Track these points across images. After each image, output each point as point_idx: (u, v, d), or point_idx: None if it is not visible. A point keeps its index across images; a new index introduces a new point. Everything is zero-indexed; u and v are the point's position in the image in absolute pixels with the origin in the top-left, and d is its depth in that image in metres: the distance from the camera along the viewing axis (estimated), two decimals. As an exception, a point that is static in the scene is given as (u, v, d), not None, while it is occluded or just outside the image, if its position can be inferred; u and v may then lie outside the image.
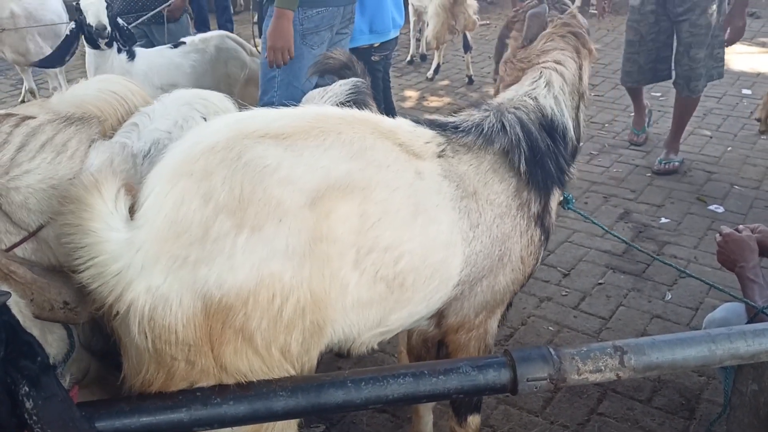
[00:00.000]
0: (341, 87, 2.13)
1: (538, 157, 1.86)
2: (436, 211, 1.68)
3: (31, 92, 5.74)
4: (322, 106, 1.71)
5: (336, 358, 2.84)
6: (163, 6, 4.72)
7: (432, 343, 2.11)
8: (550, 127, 1.92)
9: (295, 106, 1.88)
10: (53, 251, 1.52)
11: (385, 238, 1.59)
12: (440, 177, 1.72)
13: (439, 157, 1.75)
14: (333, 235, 1.51)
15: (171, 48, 4.27)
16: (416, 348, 2.16)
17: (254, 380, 1.45)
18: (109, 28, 3.86)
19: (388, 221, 1.59)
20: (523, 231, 1.86)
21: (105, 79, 2.39)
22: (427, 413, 2.34)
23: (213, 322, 1.41)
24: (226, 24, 7.69)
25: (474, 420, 2.04)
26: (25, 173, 1.49)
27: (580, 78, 2.07)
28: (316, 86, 3.67)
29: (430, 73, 6.93)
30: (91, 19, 3.84)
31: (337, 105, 2.03)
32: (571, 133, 2.00)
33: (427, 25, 6.55)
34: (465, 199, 1.75)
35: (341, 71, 2.36)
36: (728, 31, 4.54)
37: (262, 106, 3.26)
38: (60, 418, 1.24)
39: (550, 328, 3.19)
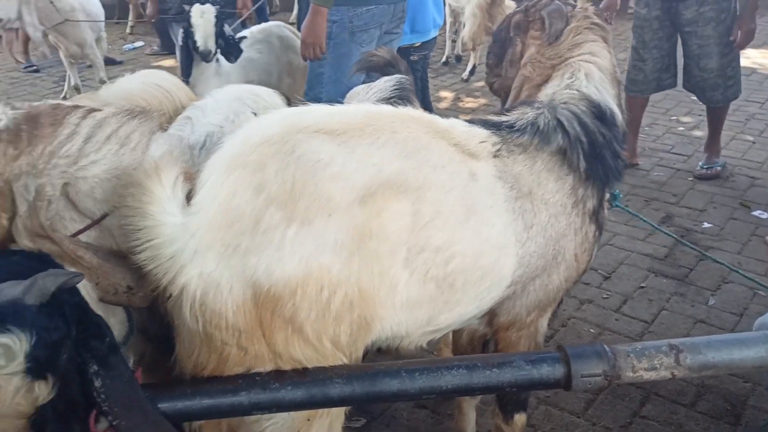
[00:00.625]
0: (385, 83, 2.14)
1: (598, 151, 1.83)
2: (489, 213, 1.67)
3: (76, 88, 5.89)
4: (377, 104, 1.72)
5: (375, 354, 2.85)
6: (254, 7, 4.83)
7: (479, 341, 2.11)
8: (601, 114, 1.89)
9: (341, 102, 1.92)
10: (115, 239, 1.56)
11: (436, 238, 1.58)
12: (494, 178, 1.70)
13: (494, 157, 1.74)
14: (383, 233, 1.51)
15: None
16: (463, 345, 2.15)
17: (309, 367, 1.48)
18: (213, 52, 4.00)
19: (441, 222, 1.59)
20: (577, 228, 1.83)
21: (149, 73, 2.44)
22: (470, 410, 2.33)
23: (262, 310, 1.44)
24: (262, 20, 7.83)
25: (520, 418, 2.02)
26: (92, 164, 1.54)
27: (615, 66, 2.05)
28: (364, 83, 3.70)
29: (465, 74, 6.90)
30: (199, 41, 3.96)
31: (381, 101, 2.04)
32: (620, 117, 1.97)
33: (464, 25, 6.54)
34: (519, 200, 1.73)
35: (385, 69, 2.37)
36: (739, 34, 4.38)
37: (309, 101, 3.30)
38: (126, 397, 1.29)
39: (591, 330, 3.15)
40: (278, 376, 1.45)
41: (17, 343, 1.14)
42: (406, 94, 2.09)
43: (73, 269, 1.44)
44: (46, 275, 1.23)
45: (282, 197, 1.44)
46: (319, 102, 1.79)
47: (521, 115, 1.87)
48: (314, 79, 3.43)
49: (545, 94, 1.97)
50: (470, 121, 1.83)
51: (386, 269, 1.53)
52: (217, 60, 4.08)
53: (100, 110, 1.62)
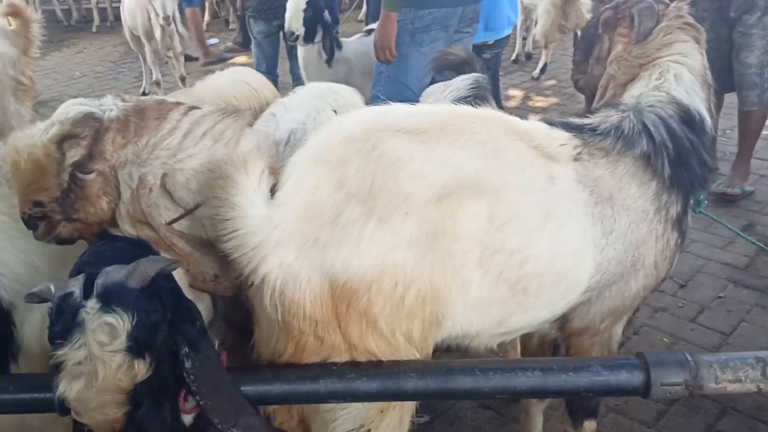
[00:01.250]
0: (462, 82, 2.14)
1: (684, 158, 1.77)
2: (567, 217, 1.65)
3: (157, 83, 6.15)
4: (456, 104, 1.73)
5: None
6: None
7: (549, 345, 2.09)
8: (689, 120, 1.83)
9: (399, 101, 1.95)
10: (205, 229, 1.65)
11: (512, 241, 1.58)
12: (574, 182, 1.68)
13: (575, 160, 1.71)
14: (458, 232, 1.52)
15: (365, 36, 4.63)
16: (532, 349, 2.14)
17: (384, 360, 1.51)
18: (298, 34, 4.36)
19: (517, 224, 1.58)
20: (659, 235, 1.78)
21: (237, 71, 2.54)
22: (537, 414, 2.31)
23: (338, 303, 1.48)
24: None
25: (590, 425, 1.99)
26: (189, 157, 1.64)
27: (706, 68, 1.97)
28: (432, 82, 3.72)
29: (536, 73, 6.78)
30: (285, 21, 4.33)
31: (457, 100, 2.05)
32: (710, 123, 1.90)
33: (536, 23, 6.43)
34: (599, 205, 1.70)
35: (460, 67, 2.38)
36: None
37: (370, 98, 3.38)
38: (213, 379, 1.36)
39: (665, 339, 3.05)
40: (354, 366, 1.49)
41: (120, 323, 1.22)
42: (482, 93, 2.09)
43: (168, 256, 1.53)
44: (146, 261, 1.32)
45: (362, 194, 1.47)
46: (378, 100, 1.82)
47: (605, 118, 1.82)
48: (376, 77, 3.54)
49: (631, 95, 1.92)
50: (551, 123, 1.80)
51: (459, 268, 1.54)
52: (339, 48, 4.40)
53: (199, 108, 1.72)
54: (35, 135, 1.55)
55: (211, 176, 1.59)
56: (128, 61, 7.69)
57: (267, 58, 5.31)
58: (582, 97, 6.27)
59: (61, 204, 1.57)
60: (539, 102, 6.28)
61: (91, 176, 1.58)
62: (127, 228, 1.60)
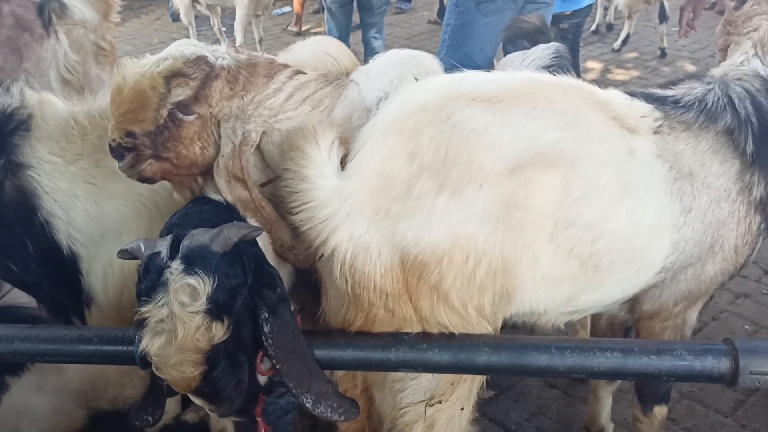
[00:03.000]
0: (543, 51, 2.07)
1: None
2: (645, 193, 1.58)
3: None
4: (534, 71, 1.67)
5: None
6: None
7: (619, 327, 2.02)
8: None
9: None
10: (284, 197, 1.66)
11: (586, 215, 1.53)
12: (653, 156, 1.61)
13: (655, 133, 1.63)
14: (529, 204, 1.48)
15: None
16: (601, 330, 2.08)
17: (456, 333, 1.50)
18: None
19: (593, 198, 1.53)
20: (741, 218, 1.69)
21: (319, 40, 2.55)
22: (606, 396, 2.26)
23: (409, 276, 1.47)
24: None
25: (660, 411, 1.93)
26: (288, 119, 1.64)
27: None
28: (506, 52, 3.62)
29: (617, 44, 6.46)
30: None
31: (538, 69, 1.98)
32: None
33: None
34: (678, 181, 1.62)
35: (534, 36, 2.30)
36: None
37: None
38: (289, 344, 1.40)
39: (746, 327, 2.91)
40: (426, 337, 1.49)
41: (201, 285, 1.26)
42: (564, 63, 2.02)
43: (253, 219, 1.55)
44: (231, 226, 1.35)
45: (435, 165, 1.45)
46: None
47: (689, 90, 1.74)
48: (440, 45, 3.47)
49: (723, 64, 1.82)
50: (632, 94, 1.72)
51: (530, 241, 1.51)
52: None
53: (304, 74, 1.72)
54: (145, 65, 1.54)
55: (283, 148, 1.59)
56: (203, 29, 7.84)
57: (340, 27, 5.30)
58: (665, 71, 6.01)
59: (153, 139, 1.56)
60: (619, 75, 6.01)
61: (191, 118, 1.57)
62: (221, 183, 1.60)
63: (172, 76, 1.53)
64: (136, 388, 2.23)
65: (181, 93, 1.54)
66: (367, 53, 5.42)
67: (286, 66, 1.71)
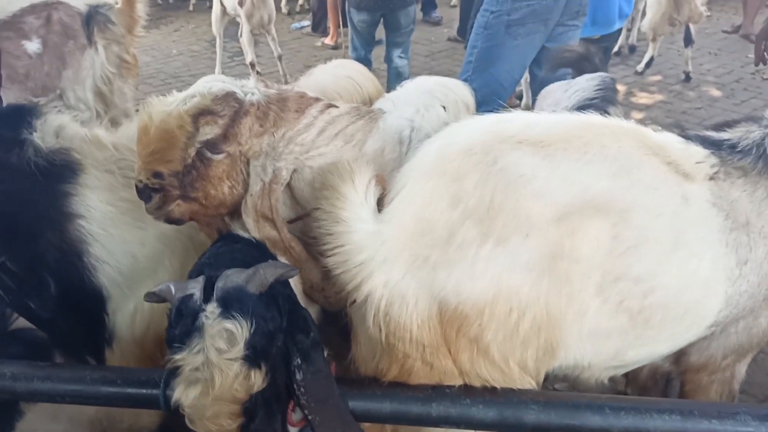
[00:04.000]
0: (588, 81, 1.99)
1: None
2: (699, 244, 1.51)
3: (252, 65, 6.22)
4: (585, 114, 1.60)
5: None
6: None
7: (662, 377, 1.94)
8: None
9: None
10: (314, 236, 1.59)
11: (637, 267, 1.45)
12: (709, 204, 1.53)
13: (710, 179, 1.56)
14: (576, 254, 1.41)
15: None
16: (642, 380, 1.99)
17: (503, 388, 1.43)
18: None
19: (645, 250, 1.45)
20: (798, 270, 1.60)
21: (341, 64, 2.49)
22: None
23: (447, 327, 1.40)
24: (430, 7, 7.82)
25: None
26: (319, 155, 1.58)
27: None
28: (531, 74, 3.54)
29: (640, 67, 6.36)
30: None
31: (583, 101, 1.90)
32: None
33: (643, 14, 6.07)
34: (734, 231, 1.54)
35: (579, 64, 2.23)
36: None
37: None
38: (323, 392, 1.32)
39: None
40: (469, 391, 1.42)
41: (239, 329, 1.18)
42: (610, 95, 1.94)
43: (283, 258, 1.49)
44: (266, 266, 1.28)
45: (479, 212, 1.38)
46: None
47: (746, 134, 1.65)
48: (465, 65, 3.44)
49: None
50: (686, 137, 1.65)
51: (576, 293, 1.43)
52: None
53: (336, 107, 1.66)
54: (171, 103, 1.50)
55: (316, 186, 1.53)
56: (224, 41, 7.84)
57: (364, 45, 5.31)
58: (690, 95, 5.94)
59: (180, 179, 1.51)
60: (643, 99, 5.91)
61: (220, 157, 1.52)
62: (249, 222, 1.54)
63: (200, 114, 1.48)
64: (151, 416, 2.17)
65: (209, 131, 1.49)
66: (391, 73, 5.39)
67: (317, 100, 1.66)
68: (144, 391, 1.49)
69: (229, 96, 1.51)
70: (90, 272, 1.70)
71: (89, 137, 1.75)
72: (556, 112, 1.97)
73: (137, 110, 4.75)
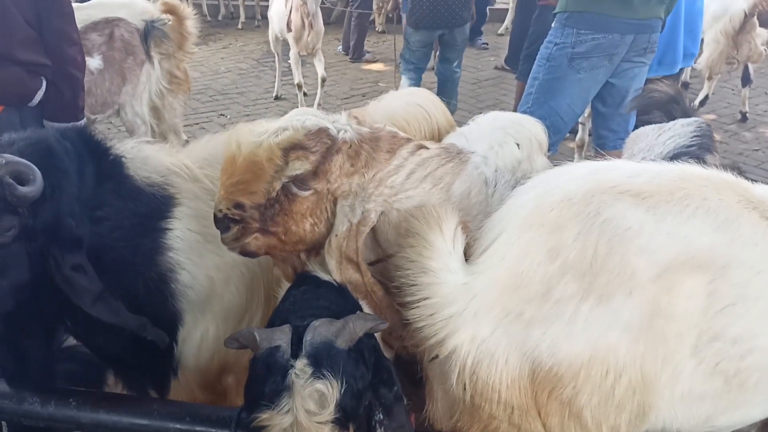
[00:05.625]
0: (684, 127, 1.91)
1: None
2: None
3: (299, 86, 6.26)
4: (685, 165, 1.53)
5: None
6: None
7: (748, 444, 1.82)
8: None
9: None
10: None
11: (736, 327, 1.37)
12: None
13: None
14: (672, 311, 1.33)
15: None
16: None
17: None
18: None
19: (744, 309, 1.37)
20: None
21: (412, 92, 2.47)
22: None
23: (539, 389, 1.32)
24: (476, 33, 7.81)
25: None
26: (407, 198, 1.53)
27: None
28: (593, 108, 3.47)
29: (694, 105, 6.22)
30: None
31: (679, 148, 1.82)
32: None
33: (701, 51, 5.95)
34: None
35: (667, 106, 2.15)
36: None
37: None
38: None
39: None
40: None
41: (330, 391, 1.13)
42: (707, 143, 1.85)
43: (364, 303, 1.43)
44: (356, 318, 1.23)
45: (581, 266, 1.31)
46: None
47: None
48: (525, 97, 3.41)
49: None
50: None
51: (671, 354, 1.35)
52: None
53: (427, 148, 1.61)
54: (262, 134, 1.46)
55: (400, 233, 1.47)
56: (270, 60, 7.89)
57: (418, 70, 5.38)
58: (746, 136, 5.79)
59: (262, 212, 1.47)
60: (696, 139, 5.78)
61: (306, 194, 1.48)
62: (332, 264, 1.49)
63: (292, 148, 1.45)
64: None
65: (299, 167, 1.45)
66: (447, 84, 5.57)
67: (408, 140, 1.61)
68: (213, 430, 1.45)
69: (322, 132, 1.47)
70: (175, 298, 1.68)
71: (181, 169, 1.73)
72: (649, 158, 1.89)
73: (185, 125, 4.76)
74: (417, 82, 5.30)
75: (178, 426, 1.47)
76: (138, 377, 1.75)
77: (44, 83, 2.50)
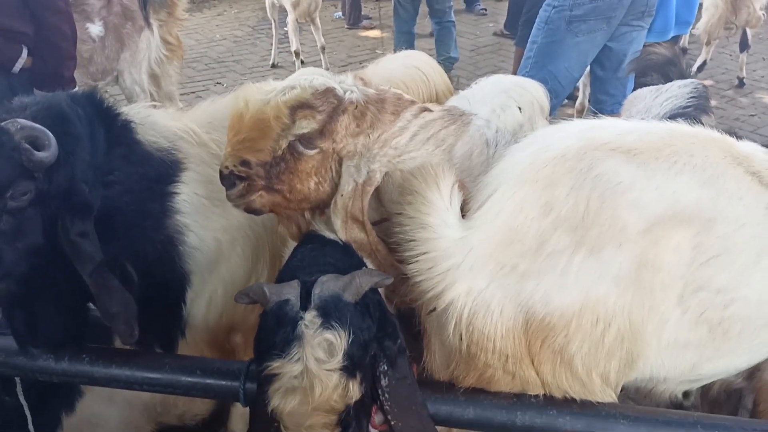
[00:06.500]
0: (681, 89, 1.94)
1: None
2: None
3: (297, 53, 6.23)
4: (671, 122, 1.56)
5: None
6: None
7: (734, 393, 1.90)
8: None
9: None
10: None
11: (720, 278, 1.43)
12: None
13: None
14: (659, 263, 1.38)
15: None
16: (713, 396, 1.96)
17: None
18: None
19: (727, 260, 1.43)
20: None
21: (410, 54, 2.48)
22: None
23: (532, 338, 1.38)
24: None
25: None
26: (411, 159, 1.56)
27: None
28: (592, 72, 3.47)
29: (692, 71, 6.23)
30: None
31: (676, 109, 1.85)
32: None
33: (698, 17, 5.92)
34: None
35: (664, 68, 2.17)
36: None
37: None
38: (406, 399, 1.32)
39: None
40: (556, 402, 1.40)
41: (338, 340, 1.19)
42: (703, 104, 1.88)
43: (369, 261, 1.48)
44: (362, 274, 1.28)
45: (573, 220, 1.36)
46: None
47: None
48: (524, 61, 3.42)
49: None
50: None
51: (657, 304, 1.41)
52: None
53: (430, 111, 1.64)
54: (269, 92, 1.47)
55: (399, 191, 1.51)
56: (265, 27, 7.84)
57: (409, 19, 5.63)
58: (743, 101, 5.80)
59: (267, 170, 1.49)
60: (693, 102, 5.79)
61: (312, 152, 1.50)
62: (338, 223, 1.52)
63: (299, 106, 1.46)
64: (205, 404, 2.20)
65: (306, 126, 1.47)
66: (445, 37, 5.73)
67: (412, 102, 1.63)
68: (224, 382, 1.50)
69: (329, 92, 1.49)
70: (183, 260, 1.72)
71: (188, 134, 1.76)
72: (646, 119, 1.93)
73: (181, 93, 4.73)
74: (410, 36, 5.60)
75: (189, 379, 1.53)
76: (146, 337, 1.81)
77: (25, 51, 2.50)
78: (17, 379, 1.78)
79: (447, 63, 5.66)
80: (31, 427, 1.77)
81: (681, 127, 1.58)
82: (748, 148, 1.57)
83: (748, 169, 1.50)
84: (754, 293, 1.46)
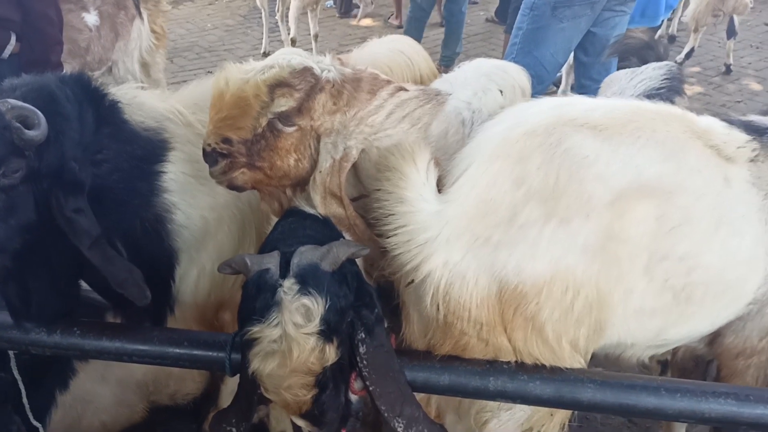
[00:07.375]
0: (654, 71, 1.99)
1: None
2: (740, 223, 1.55)
3: (293, 41, 6.24)
4: (639, 98, 1.62)
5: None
6: None
7: (699, 360, 1.97)
8: None
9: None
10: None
11: (682, 246, 1.49)
12: (748, 184, 1.57)
13: (751, 161, 1.59)
14: (624, 235, 1.45)
15: None
16: (679, 364, 2.03)
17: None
18: None
19: (689, 229, 1.49)
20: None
21: (395, 39, 2.51)
22: (681, 427, 2.21)
23: (506, 306, 1.44)
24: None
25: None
26: (386, 137, 1.61)
27: None
28: (576, 59, 3.50)
29: (680, 57, 6.27)
30: None
31: (649, 91, 1.91)
32: None
33: (685, 4, 5.97)
34: None
35: (642, 52, 2.22)
36: None
37: None
38: (383, 366, 1.38)
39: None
40: (527, 368, 1.46)
41: (315, 306, 1.24)
42: (676, 85, 1.93)
43: (347, 235, 1.54)
44: (339, 244, 1.33)
45: (543, 193, 1.41)
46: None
47: (789, 120, 1.68)
48: (509, 47, 3.46)
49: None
50: (730, 122, 1.68)
51: (624, 273, 1.48)
52: None
53: (406, 90, 1.69)
54: (249, 72, 1.52)
55: (377, 168, 1.56)
56: (257, 16, 7.81)
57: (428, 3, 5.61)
58: (730, 88, 5.86)
59: (248, 147, 1.53)
60: (682, 89, 5.85)
61: (291, 130, 1.55)
62: (317, 198, 1.58)
63: (277, 85, 1.51)
64: (196, 383, 2.25)
65: (284, 103, 1.52)
66: (454, 24, 5.85)
67: (388, 82, 1.68)
68: (210, 353, 1.55)
69: (306, 71, 1.53)
70: (171, 238, 1.77)
71: (175, 115, 1.81)
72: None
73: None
74: (425, 15, 5.71)
75: (176, 350, 1.57)
76: (136, 313, 1.86)
77: (13, 38, 2.53)
78: (12, 354, 1.82)
79: (452, 57, 5.84)
80: (25, 400, 1.82)
81: (644, 104, 1.64)
82: (707, 122, 1.64)
83: (707, 143, 1.56)
84: (714, 259, 1.53)
